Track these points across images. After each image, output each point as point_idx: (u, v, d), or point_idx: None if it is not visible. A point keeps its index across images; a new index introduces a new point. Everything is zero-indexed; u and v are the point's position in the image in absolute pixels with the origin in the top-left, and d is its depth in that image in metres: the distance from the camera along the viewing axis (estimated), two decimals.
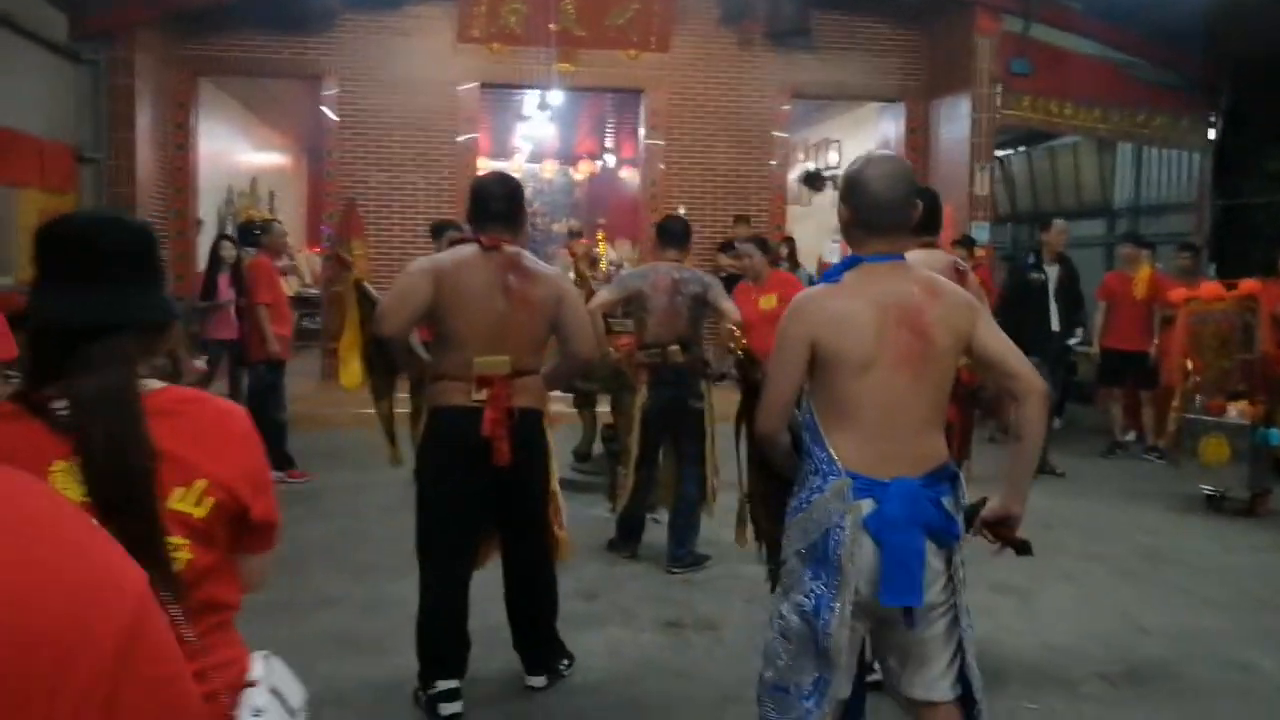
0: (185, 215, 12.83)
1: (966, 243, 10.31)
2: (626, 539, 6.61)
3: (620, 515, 6.65)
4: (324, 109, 13.12)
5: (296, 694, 1.89)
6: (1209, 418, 8.05)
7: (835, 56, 13.78)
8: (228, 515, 1.81)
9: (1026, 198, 17.42)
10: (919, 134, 13.79)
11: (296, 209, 20.15)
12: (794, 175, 16.76)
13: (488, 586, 4.55)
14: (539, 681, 4.60)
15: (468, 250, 4.32)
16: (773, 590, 3.57)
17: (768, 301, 7.68)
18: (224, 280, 9.74)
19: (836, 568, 2.87)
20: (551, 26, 12.74)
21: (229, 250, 9.87)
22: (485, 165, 14.16)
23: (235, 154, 16.36)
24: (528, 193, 5.27)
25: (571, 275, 9.22)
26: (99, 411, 1.63)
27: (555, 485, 4.65)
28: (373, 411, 5.15)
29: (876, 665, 3.28)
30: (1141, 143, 14.27)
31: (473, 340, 4.18)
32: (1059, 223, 9.68)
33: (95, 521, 0.79)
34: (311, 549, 6.57)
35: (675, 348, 6.24)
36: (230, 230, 13.64)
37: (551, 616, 4.65)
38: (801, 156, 18.12)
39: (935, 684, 2.97)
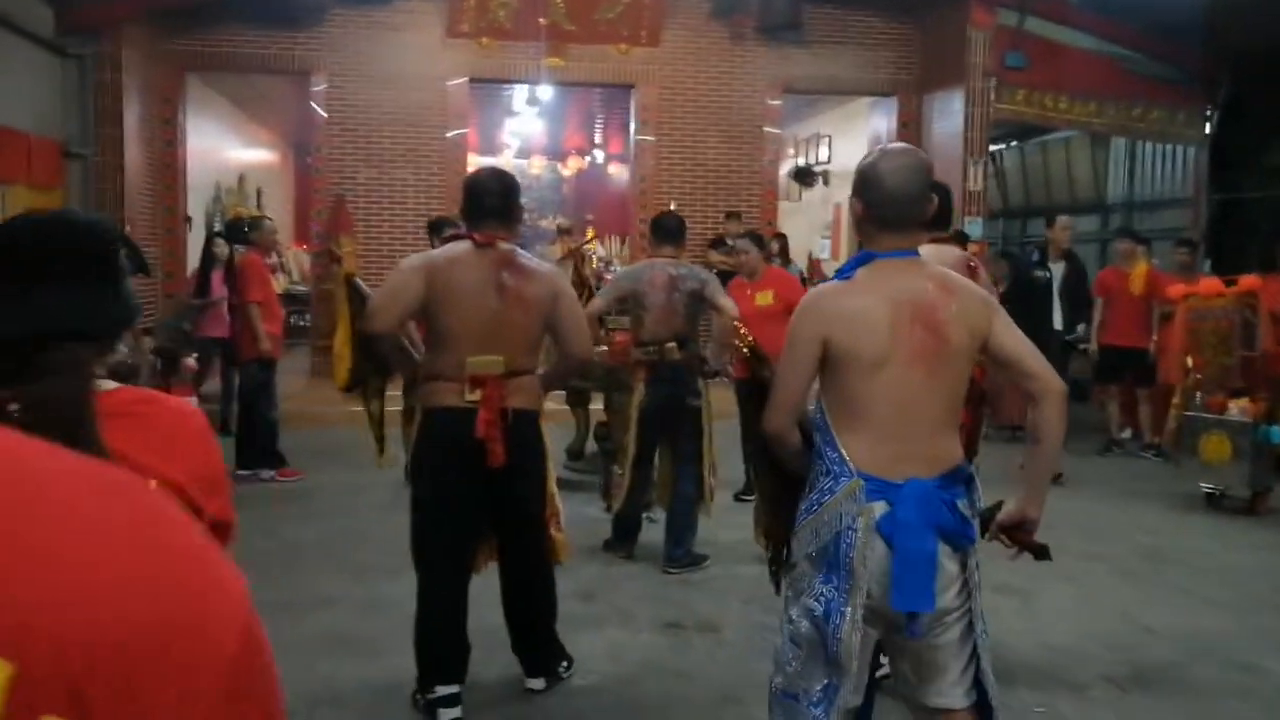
0: (174, 212, 12.72)
1: (959, 238, 10.21)
2: (623, 539, 6.54)
3: (616, 515, 6.57)
4: (313, 105, 13.01)
5: None
6: (1210, 415, 7.99)
7: (827, 50, 13.70)
8: None
9: (1019, 193, 17.39)
10: (911, 129, 13.71)
11: (284, 205, 20.04)
12: (784, 171, 16.70)
13: (486, 589, 4.47)
14: (538, 684, 4.52)
15: (461, 247, 4.24)
16: (777, 592, 3.50)
17: (764, 298, 7.60)
18: (217, 277, 9.65)
19: (848, 571, 2.80)
20: (541, 21, 12.66)
21: (222, 247, 9.78)
22: (474, 161, 14.05)
23: (223, 150, 16.25)
24: None
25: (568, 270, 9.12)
26: (50, 417, 1.56)
27: (553, 487, 4.58)
28: (364, 409, 5.06)
29: (884, 659, 3.21)
30: (1137, 137, 14.21)
31: (466, 339, 4.10)
32: (1063, 219, 9.54)
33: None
34: (307, 548, 6.50)
35: (673, 345, 6.18)
36: (218, 227, 13.54)
37: (550, 619, 4.57)
38: (791, 152, 18.06)
39: (950, 691, 2.90)
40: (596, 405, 8.24)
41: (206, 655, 0.68)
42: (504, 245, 4.22)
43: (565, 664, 4.64)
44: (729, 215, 13.23)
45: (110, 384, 1.82)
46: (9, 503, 0.66)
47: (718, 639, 5.21)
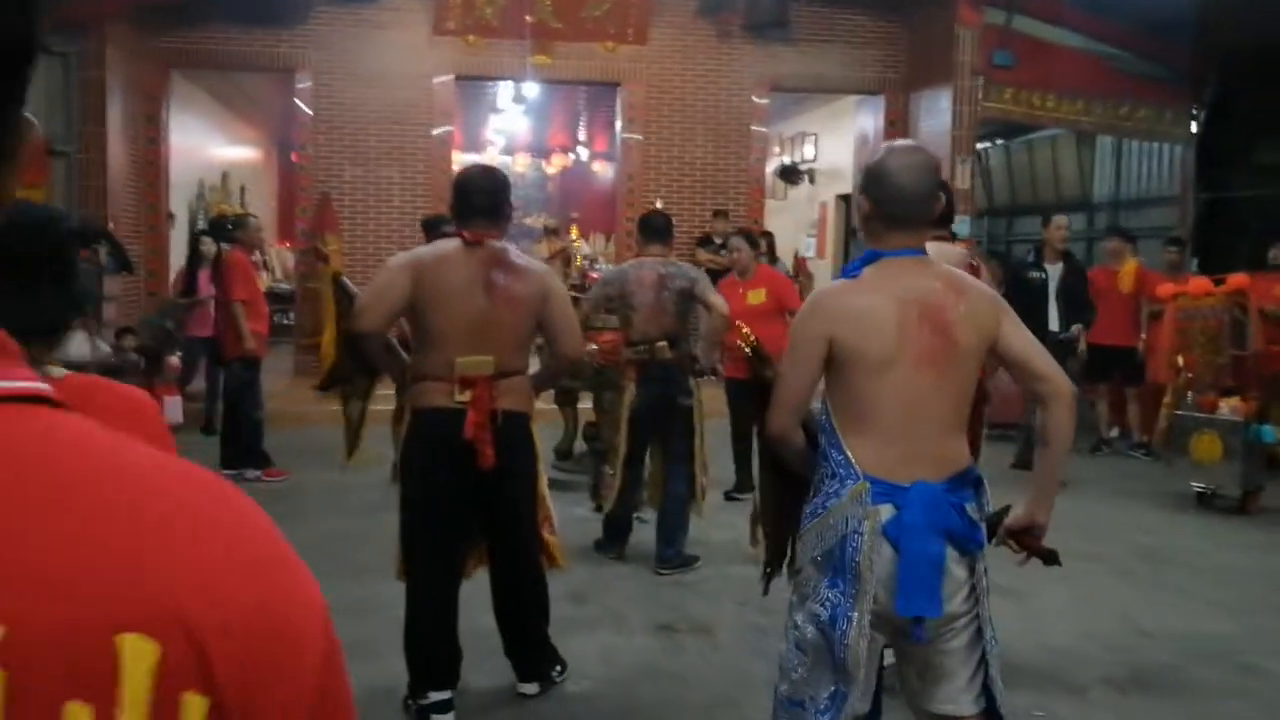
0: (157, 209, 12.59)
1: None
2: (614, 539, 6.49)
3: (607, 515, 6.52)
4: (298, 102, 12.90)
5: None
6: (1201, 414, 7.97)
7: (814, 49, 13.64)
8: None
9: (1004, 192, 17.38)
10: (898, 127, 13.65)
11: (268, 203, 19.91)
12: (770, 169, 16.66)
13: (477, 592, 4.42)
14: (531, 689, 4.46)
15: (450, 245, 4.19)
16: (765, 593, 3.46)
17: (756, 296, 7.55)
18: (204, 276, 9.57)
19: (854, 575, 2.75)
20: (528, 18, 12.57)
21: (209, 246, 9.70)
22: (459, 159, 13.98)
23: (206, 148, 16.12)
24: None
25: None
26: None
27: (544, 490, 4.51)
28: (341, 408, 4.96)
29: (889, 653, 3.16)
30: (1125, 136, 14.20)
31: (454, 339, 4.04)
32: (1059, 218, 9.42)
33: None
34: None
35: (663, 344, 6.12)
36: (202, 225, 13.44)
37: (542, 622, 4.51)
38: (777, 150, 18.02)
39: (959, 697, 2.84)
40: (585, 404, 8.18)
41: (310, 633, 0.73)
42: (493, 243, 4.16)
43: (559, 668, 4.58)
44: (716, 213, 13.19)
45: (60, 371, 1.80)
46: (130, 492, 0.69)
47: (711, 641, 5.16)
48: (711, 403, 6.78)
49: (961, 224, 12.00)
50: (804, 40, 13.58)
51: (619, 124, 13.81)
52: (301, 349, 12.44)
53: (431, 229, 7.32)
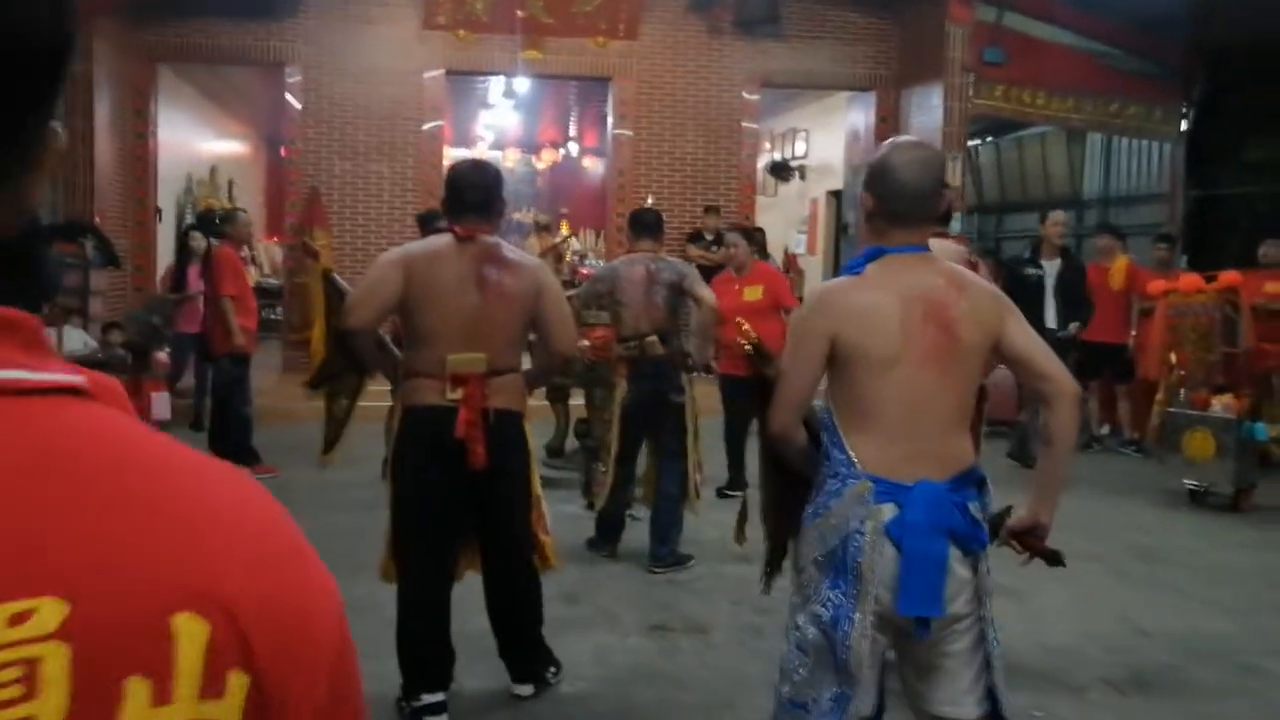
0: (145, 204, 12.52)
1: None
2: (606, 537, 6.45)
3: (600, 513, 6.48)
4: (287, 97, 12.82)
5: None
6: (1193, 412, 7.95)
7: (805, 45, 13.62)
8: None
9: (994, 189, 17.38)
10: (889, 123, 13.64)
11: (256, 198, 19.82)
12: (760, 165, 16.63)
13: (470, 593, 4.37)
14: (526, 690, 4.41)
15: (441, 241, 4.14)
16: (764, 591, 3.43)
17: (752, 293, 7.52)
18: (194, 272, 9.50)
19: (856, 576, 2.71)
20: (518, 13, 12.53)
21: (199, 241, 9.62)
22: (449, 154, 13.91)
23: (194, 142, 16.05)
24: None
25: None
26: None
27: (538, 489, 4.46)
28: (325, 404, 4.88)
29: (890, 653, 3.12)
30: (1114, 133, 14.22)
31: (446, 336, 3.99)
32: (1056, 214, 9.34)
33: None
34: None
35: (654, 339, 6.09)
36: (190, 220, 13.37)
37: (536, 623, 4.46)
38: (768, 146, 17.98)
39: (962, 700, 2.80)
40: (576, 401, 8.14)
41: (329, 621, 0.76)
42: (486, 239, 4.11)
43: (553, 669, 4.53)
44: (708, 209, 13.16)
45: None
46: (170, 482, 0.73)
47: (706, 641, 5.12)
48: (705, 400, 6.75)
49: (953, 221, 12.01)
50: (795, 36, 13.56)
51: (610, 119, 13.78)
52: (290, 344, 12.37)
53: (427, 224, 7.24)
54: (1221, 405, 7.88)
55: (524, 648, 4.43)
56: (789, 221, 18.23)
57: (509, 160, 20.87)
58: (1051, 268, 8.86)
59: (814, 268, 16.77)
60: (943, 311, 2.75)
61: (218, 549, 0.70)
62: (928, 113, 12.86)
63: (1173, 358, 8.27)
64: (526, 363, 4.49)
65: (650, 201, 12.93)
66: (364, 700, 0.79)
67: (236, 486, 0.76)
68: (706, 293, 6.16)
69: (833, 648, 2.74)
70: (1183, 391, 8.17)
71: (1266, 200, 12.45)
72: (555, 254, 13.29)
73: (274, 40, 12.57)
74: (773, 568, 3.36)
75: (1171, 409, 8.14)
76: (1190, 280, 8.82)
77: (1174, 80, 13.25)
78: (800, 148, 17.93)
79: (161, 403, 8.72)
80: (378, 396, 5.02)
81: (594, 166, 20.57)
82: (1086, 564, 6.30)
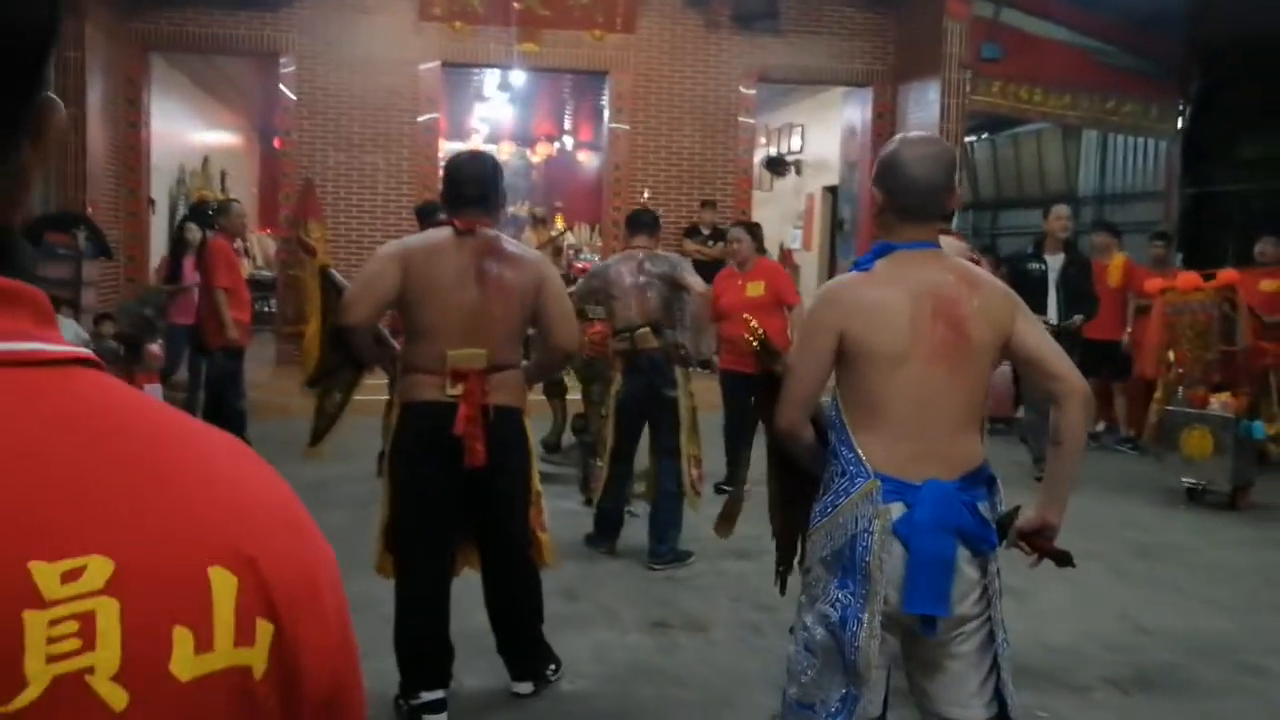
0: (137, 195, 12.42)
1: None
2: (605, 534, 6.41)
3: (598, 510, 6.44)
4: (281, 87, 12.74)
5: None
6: (1191, 410, 7.93)
7: (802, 40, 13.58)
8: None
9: (989, 185, 17.37)
10: (886, 119, 13.61)
11: (249, 189, 19.76)
12: (756, 160, 16.58)
13: (468, 590, 4.33)
14: (525, 688, 4.38)
15: (440, 234, 4.09)
16: (782, 593, 3.39)
17: (755, 288, 7.48)
18: (189, 263, 9.44)
19: (864, 575, 2.69)
20: (515, 5, 12.49)
21: (194, 232, 9.56)
22: (445, 147, 13.84)
23: (187, 132, 15.95)
24: None
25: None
26: None
27: (538, 485, 4.42)
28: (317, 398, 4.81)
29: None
30: (1110, 130, 14.20)
31: (445, 331, 3.93)
32: (1060, 208, 9.17)
33: None
34: None
35: (645, 330, 6.06)
36: (184, 211, 13.29)
37: (536, 620, 4.42)
38: (763, 141, 17.94)
39: (970, 702, 2.77)
40: (574, 396, 8.09)
41: (334, 577, 0.82)
42: (486, 232, 4.06)
43: (553, 667, 4.49)
44: (704, 204, 13.12)
45: None
46: (192, 448, 0.78)
47: (706, 638, 5.09)
48: (704, 395, 6.70)
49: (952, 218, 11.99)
50: (792, 31, 13.51)
51: (606, 113, 13.72)
52: (284, 337, 12.30)
53: (425, 217, 7.16)
54: (1219, 403, 7.86)
55: (523, 645, 4.39)
56: (784, 217, 18.19)
57: (504, 153, 20.80)
58: (1055, 262, 8.70)
59: (809, 263, 16.75)
60: (953, 309, 2.72)
61: (237, 510, 0.76)
62: (924, 108, 12.83)
63: (1170, 356, 8.24)
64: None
65: (646, 195, 12.92)
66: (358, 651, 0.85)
67: (243, 453, 0.81)
68: (696, 281, 6.17)
69: (841, 648, 2.71)
70: (1180, 389, 8.14)
71: (1262, 197, 12.44)
72: (553, 247, 13.26)
73: (268, 30, 12.49)
74: (785, 567, 3.33)
75: (1169, 407, 8.12)
76: (1188, 278, 8.78)
77: (1170, 77, 13.24)
78: (796, 143, 17.88)
79: (153, 394, 8.65)
80: (373, 390, 4.97)
81: (589, 160, 20.53)
82: (1086, 562, 6.23)
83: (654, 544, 6.15)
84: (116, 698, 0.67)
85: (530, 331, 4.37)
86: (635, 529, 6.40)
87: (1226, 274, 8.58)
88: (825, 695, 2.76)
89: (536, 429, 5.31)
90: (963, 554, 2.70)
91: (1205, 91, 13.14)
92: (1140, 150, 14.46)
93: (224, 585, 0.72)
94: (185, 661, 0.69)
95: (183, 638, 0.69)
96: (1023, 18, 12.61)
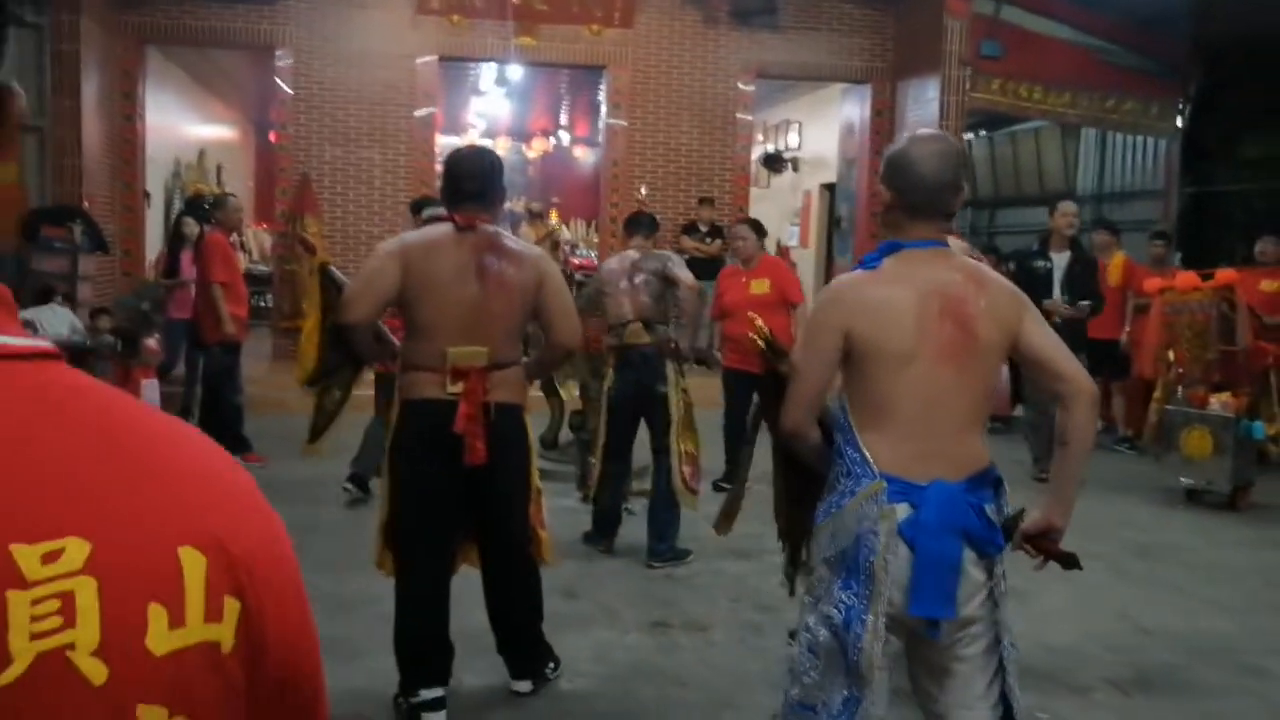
0: (133, 188, 12.34)
1: None
2: (603, 532, 6.38)
3: (596, 508, 6.41)
4: (277, 81, 12.68)
5: None
6: (1191, 410, 7.91)
7: (801, 36, 13.52)
8: None
9: (987, 184, 17.33)
10: (885, 116, 13.58)
11: (245, 183, 19.70)
12: (754, 157, 16.55)
13: (468, 587, 4.30)
14: (524, 687, 4.36)
15: (440, 230, 4.06)
16: (790, 594, 3.37)
17: (759, 286, 7.45)
18: (186, 258, 9.40)
19: (869, 576, 2.66)
20: None
21: (191, 227, 9.52)
22: (442, 141, 13.79)
23: (182, 126, 15.91)
24: None
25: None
26: None
27: (538, 483, 4.40)
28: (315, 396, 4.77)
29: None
30: (1110, 128, 14.16)
31: (445, 329, 3.91)
32: (1066, 205, 9.02)
33: None
34: None
35: (636, 326, 6.03)
36: (180, 205, 13.24)
37: (536, 619, 4.40)
38: (761, 138, 17.90)
39: (976, 705, 2.76)
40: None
41: (292, 559, 0.88)
42: (486, 228, 4.03)
43: (552, 665, 4.47)
44: (702, 201, 13.07)
45: None
46: (161, 437, 0.83)
47: (706, 638, 5.07)
48: (701, 392, 6.67)
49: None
50: (790, 27, 13.46)
51: (603, 109, 13.67)
52: (279, 332, 12.26)
53: (420, 211, 7.12)
54: (1219, 403, 7.85)
55: (523, 644, 4.37)
56: (782, 214, 18.16)
57: (500, 148, 20.76)
58: (1060, 260, 8.57)
59: (806, 261, 16.71)
60: (960, 308, 2.70)
61: (204, 494, 0.80)
62: (923, 106, 12.78)
63: (1170, 355, 8.22)
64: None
65: (644, 192, 12.88)
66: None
67: (207, 442, 0.86)
68: (686, 275, 6.17)
69: (844, 650, 2.69)
70: (1180, 389, 8.13)
71: (1262, 197, 12.42)
72: (551, 242, 13.22)
73: (264, 23, 12.42)
74: (794, 567, 3.31)
75: (1169, 407, 8.10)
76: (1187, 278, 8.75)
77: (1171, 76, 13.21)
78: (794, 140, 17.84)
79: (150, 390, 8.62)
80: (371, 386, 4.93)
81: (585, 156, 20.48)
82: (1086, 562, 6.19)
83: (653, 542, 6.12)
84: (96, 672, 0.71)
85: (530, 329, 4.34)
86: (634, 528, 6.36)
87: (1225, 274, 8.56)
88: (827, 697, 2.74)
89: (535, 426, 5.29)
90: (968, 556, 2.68)
91: (1206, 90, 13.11)
92: (1139, 149, 14.43)
93: (194, 564, 0.76)
94: (160, 637, 0.73)
95: (157, 614, 0.73)
96: (1023, 15, 12.57)
